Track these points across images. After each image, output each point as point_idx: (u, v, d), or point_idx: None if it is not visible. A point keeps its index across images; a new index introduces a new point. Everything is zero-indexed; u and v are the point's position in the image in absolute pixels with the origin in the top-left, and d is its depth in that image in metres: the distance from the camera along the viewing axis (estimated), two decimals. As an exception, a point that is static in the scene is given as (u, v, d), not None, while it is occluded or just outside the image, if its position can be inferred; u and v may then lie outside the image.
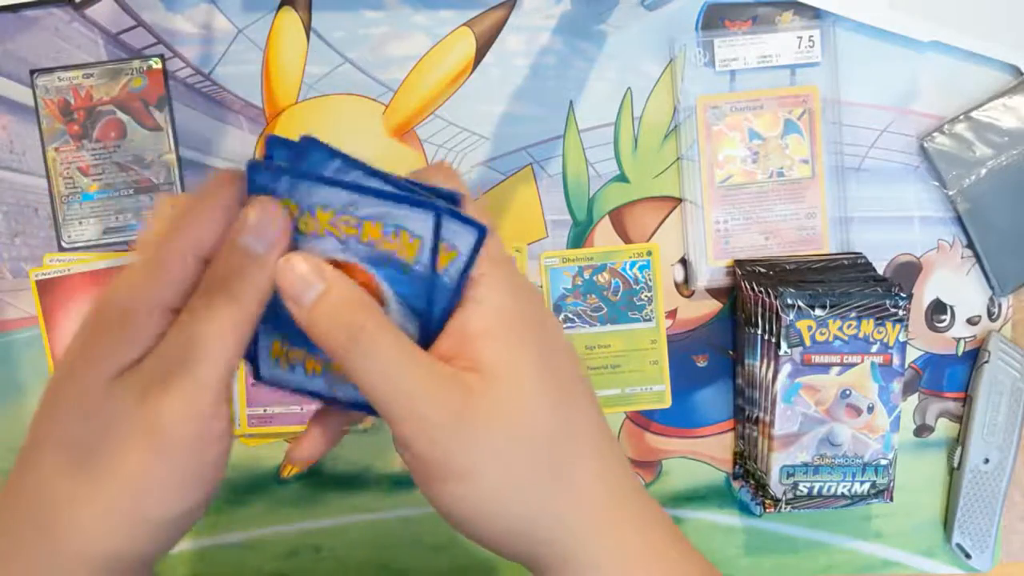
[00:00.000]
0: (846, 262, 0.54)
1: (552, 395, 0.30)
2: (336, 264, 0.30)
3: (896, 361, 0.51)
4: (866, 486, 0.53)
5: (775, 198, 0.55)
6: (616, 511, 0.32)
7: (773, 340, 0.51)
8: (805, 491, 0.53)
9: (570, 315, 0.55)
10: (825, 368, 0.51)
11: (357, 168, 0.29)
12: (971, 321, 0.57)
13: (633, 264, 0.55)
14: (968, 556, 0.57)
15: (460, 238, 0.30)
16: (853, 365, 0.51)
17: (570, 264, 0.55)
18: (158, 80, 0.54)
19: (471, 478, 0.29)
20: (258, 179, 0.29)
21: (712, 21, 0.55)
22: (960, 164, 0.55)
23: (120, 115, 0.54)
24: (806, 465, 0.52)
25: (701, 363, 0.57)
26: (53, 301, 0.54)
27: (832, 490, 0.53)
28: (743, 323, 0.54)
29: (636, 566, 0.32)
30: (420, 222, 0.29)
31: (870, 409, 0.52)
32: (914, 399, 0.57)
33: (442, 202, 0.30)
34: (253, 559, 0.56)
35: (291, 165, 0.29)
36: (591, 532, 0.31)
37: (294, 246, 0.30)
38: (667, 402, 0.56)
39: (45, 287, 0.54)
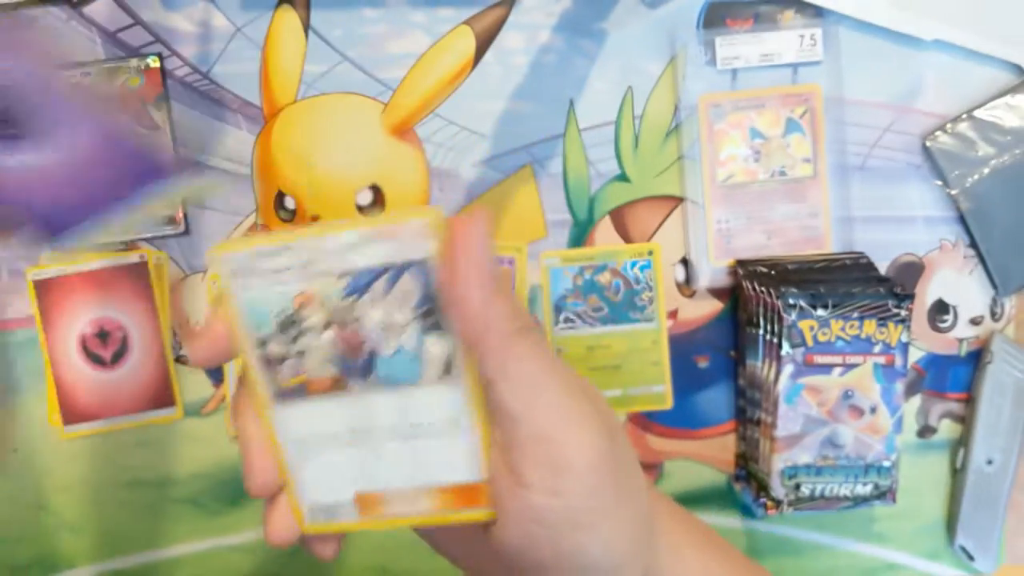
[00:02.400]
0: (848, 262, 0.54)
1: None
2: None
3: (899, 362, 0.51)
4: (869, 488, 0.52)
5: (777, 197, 0.55)
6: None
7: (775, 340, 0.51)
8: (807, 493, 0.52)
9: (571, 315, 0.55)
10: (827, 369, 0.51)
11: None
12: (974, 321, 0.57)
13: (634, 264, 0.55)
14: (971, 558, 0.56)
15: None
16: (855, 366, 0.51)
17: (571, 264, 0.55)
18: (156, 79, 0.53)
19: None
20: None
21: (714, 19, 0.54)
22: (963, 163, 0.55)
23: (118, 114, 0.53)
24: (808, 466, 0.52)
25: (702, 364, 0.56)
26: (50, 301, 0.54)
27: (834, 492, 0.52)
28: (745, 323, 0.54)
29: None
30: None
31: (872, 410, 0.51)
32: (917, 400, 0.57)
33: None
34: (252, 561, 0.56)
35: None
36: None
37: None
38: (668, 403, 0.56)
39: (42, 287, 0.54)
